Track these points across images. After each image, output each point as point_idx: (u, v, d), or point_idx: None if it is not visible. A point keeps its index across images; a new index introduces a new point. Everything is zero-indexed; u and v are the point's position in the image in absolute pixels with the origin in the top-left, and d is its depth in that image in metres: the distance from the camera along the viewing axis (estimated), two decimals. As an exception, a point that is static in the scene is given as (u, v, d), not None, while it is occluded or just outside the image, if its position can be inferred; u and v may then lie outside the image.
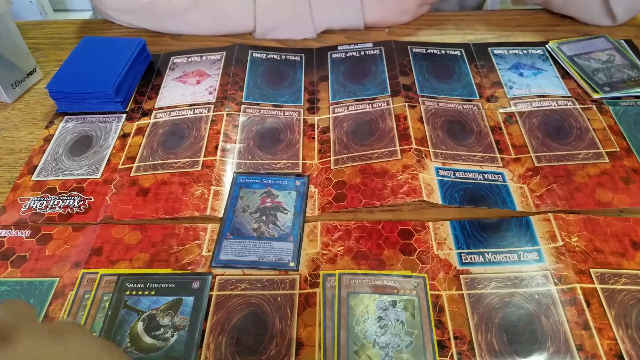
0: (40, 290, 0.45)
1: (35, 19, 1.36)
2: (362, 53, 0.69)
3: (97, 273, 0.45)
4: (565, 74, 0.65)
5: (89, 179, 0.54)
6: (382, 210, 0.50)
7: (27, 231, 0.49)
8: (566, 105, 0.60)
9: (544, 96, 0.61)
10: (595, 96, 0.61)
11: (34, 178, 0.54)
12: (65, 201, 0.52)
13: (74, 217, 0.50)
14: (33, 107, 0.64)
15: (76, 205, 0.51)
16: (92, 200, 0.52)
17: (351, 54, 0.69)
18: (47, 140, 0.58)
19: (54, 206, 0.51)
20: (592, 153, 0.54)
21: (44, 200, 0.52)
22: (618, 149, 0.54)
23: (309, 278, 0.45)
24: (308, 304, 0.43)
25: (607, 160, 0.53)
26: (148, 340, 0.41)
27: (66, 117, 0.61)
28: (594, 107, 0.60)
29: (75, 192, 0.52)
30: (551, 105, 0.60)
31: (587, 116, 0.58)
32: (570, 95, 0.61)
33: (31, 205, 0.51)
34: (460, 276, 0.44)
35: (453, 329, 0.41)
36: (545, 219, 0.48)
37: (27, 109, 0.64)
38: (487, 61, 0.67)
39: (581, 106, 0.60)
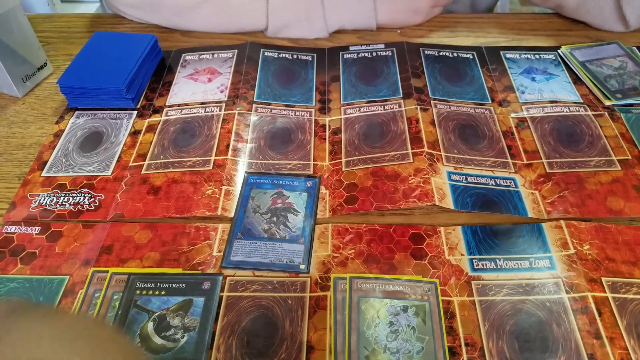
0: (49, 288, 0.44)
1: (43, 10, 1.35)
2: (374, 54, 0.69)
3: (107, 272, 0.45)
4: (577, 80, 0.65)
5: (100, 175, 0.54)
6: (393, 214, 0.50)
7: (37, 227, 0.49)
8: (578, 111, 0.60)
9: (556, 102, 0.61)
10: (607, 103, 0.61)
11: (44, 174, 0.54)
12: (75, 198, 0.51)
13: (84, 215, 0.50)
14: (43, 101, 0.64)
15: (86, 202, 0.51)
16: (103, 197, 0.51)
17: (363, 55, 0.69)
18: (58, 135, 0.58)
19: (64, 203, 0.51)
20: (603, 160, 0.54)
21: (54, 196, 0.52)
22: (630, 157, 0.54)
23: (319, 281, 0.45)
24: (319, 307, 0.43)
25: (619, 168, 0.53)
26: (158, 340, 0.41)
27: (77, 112, 0.61)
28: (606, 113, 0.59)
29: (86, 189, 0.52)
30: (563, 111, 0.60)
31: (599, 123, 0.58)
32: (582, 101, 0.61)
33: (41, 201, 0.51)
34: (472, 282, 0.44)
35: (464, 336, 0.41)
36: (557, 226, 0.48)
37: (37, 103, 0.63)
38: (499, 65, 0.67)
39: (593, 113, 0.59)
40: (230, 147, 0.55)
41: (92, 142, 0.57)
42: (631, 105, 0.61)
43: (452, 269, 0.45)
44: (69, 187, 0.52)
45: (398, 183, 0.51)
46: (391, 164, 0.53)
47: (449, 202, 0.49)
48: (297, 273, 0.45)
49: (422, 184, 0.50)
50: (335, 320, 0.42)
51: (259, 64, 0.67)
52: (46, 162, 0.55)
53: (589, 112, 0.59)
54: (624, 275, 0.44)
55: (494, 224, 0.49)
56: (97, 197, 0.51)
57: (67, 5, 1.55)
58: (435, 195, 0.49)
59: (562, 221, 0.48)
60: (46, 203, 0.51)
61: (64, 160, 0.55)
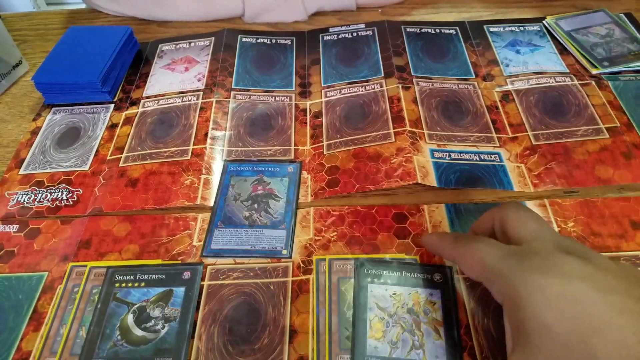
0: (29, 285, 0.44)
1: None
2: (355, 34, 0.67)
3: (85, 266, 0.45)
4: (563, 50, 0.63)
5: (77, 170, 0.53)
6: (376, 195, 0.49)
7: (15, 226, 0.48)
8: (564, 81, 0.58)
9: (541, 73, 0.60)
10: (594, 71, 0.59)
11: (21, 172, 0.53)
12: (53, 194, 0.51)
13: (63, 210, 0.49)
14: (20, 99, 0.63)
15: (64, 198, 0.50)
16: (81, 192, 0.51)
17: (343, 36, 0.67)
18: (35, 133, 0.57)
19: (42, 199, 0.50)
20: (591, 129, 0.53)
21: (32, 193, 0.51)
22: (618, 124, 0.53)
23: (302, 265, 0.44)
24: (301, 291, 0.42)
25: (607, 135, 0.52)
26: (138, 332, 0.40)
27: (54, 108, 0.60)
28: (593, 82, 0.58)
29: (64, 185, 0.51)
30: (549, 82, 0.58)
31: (586, 92, 0.57)
32: (568, 71, 0.60)
33: (19, 199, 0.50)
34: (457, 259, 0.43)
35: (449, 313, 0.40)
36: (540, 204, 0.47)
37: (13, 102, 0.63)
38: (482, 39, 0.66)
39: (580, 82, 0.58)
40: (209, 135, 0.54)
41: (69, 137, 0.56)
42: (619, 72, 0.59)
43: (436, 246, 0.44)
44: (46, 184, 0.52)
45: (380, 163, 0.50)
46: (373, 144, 0.52)
47: (432, 180, 0.48)
48: (279, 258, 0.44)
49: (404, 163, 0.49)
50: (317, 302, 0.41)
51: (236, 51, 0.66)
52: (24, 159, 0.54)
53: (576, 82, 0.58)
54: (610, 249, 0.43)
55: (479, 200, 0.48)
56: (75, 192, 0.51)
57: (52, 7, 1.53)
58: (417, 173, 0.48)
59: (545, 199, 0.47)
60: (24, 201, 0.50)
61: (41, 157, 0.54)
